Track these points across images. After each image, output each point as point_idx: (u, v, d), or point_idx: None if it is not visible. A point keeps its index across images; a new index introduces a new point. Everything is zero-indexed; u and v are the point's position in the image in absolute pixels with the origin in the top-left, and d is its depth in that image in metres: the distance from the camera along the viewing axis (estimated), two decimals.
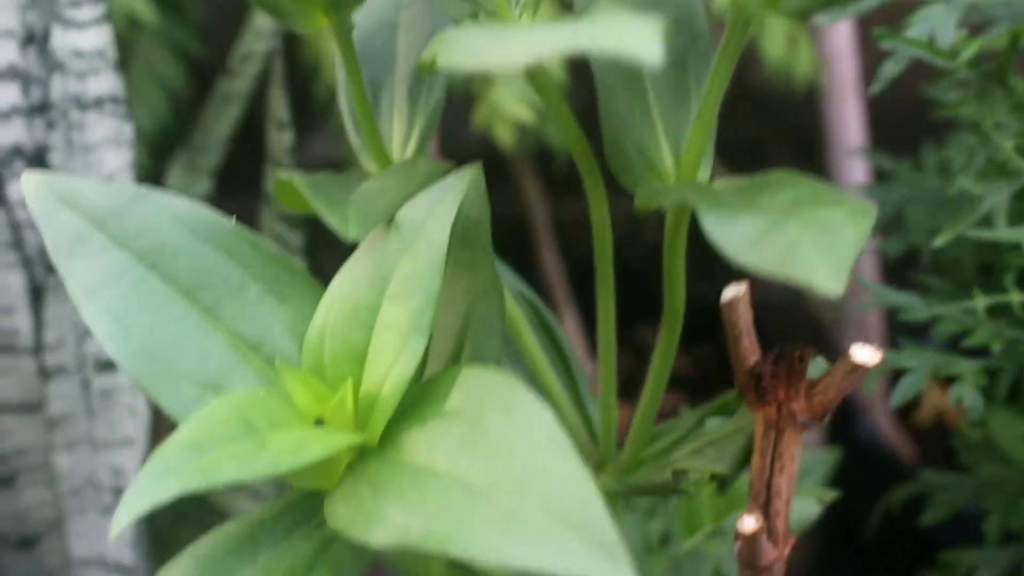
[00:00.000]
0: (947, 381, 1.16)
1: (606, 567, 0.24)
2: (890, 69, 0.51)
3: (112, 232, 0.33)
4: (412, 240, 0.31)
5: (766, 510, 0.39)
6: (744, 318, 0.37)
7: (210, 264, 0.33)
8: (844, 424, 1.15)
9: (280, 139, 0.66)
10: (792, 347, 0.36)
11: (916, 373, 0.49)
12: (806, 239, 0.26)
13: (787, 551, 0.40)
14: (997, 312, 0.51)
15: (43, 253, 0.63)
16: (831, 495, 0.52)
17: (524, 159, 1.13)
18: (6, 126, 0.60)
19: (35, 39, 0.57)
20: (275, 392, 0.32)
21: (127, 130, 0.58)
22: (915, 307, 0.52)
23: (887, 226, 0.60)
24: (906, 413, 1.17)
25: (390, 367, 0.31)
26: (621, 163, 0.35)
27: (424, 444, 0.30)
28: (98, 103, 0.59)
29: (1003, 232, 0.48)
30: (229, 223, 0.33)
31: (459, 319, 0.34)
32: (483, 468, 0.27)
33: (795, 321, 1.36)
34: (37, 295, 0.63)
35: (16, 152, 0.61)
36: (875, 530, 0.72)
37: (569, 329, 1.09)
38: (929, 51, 0.49)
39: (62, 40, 0.57)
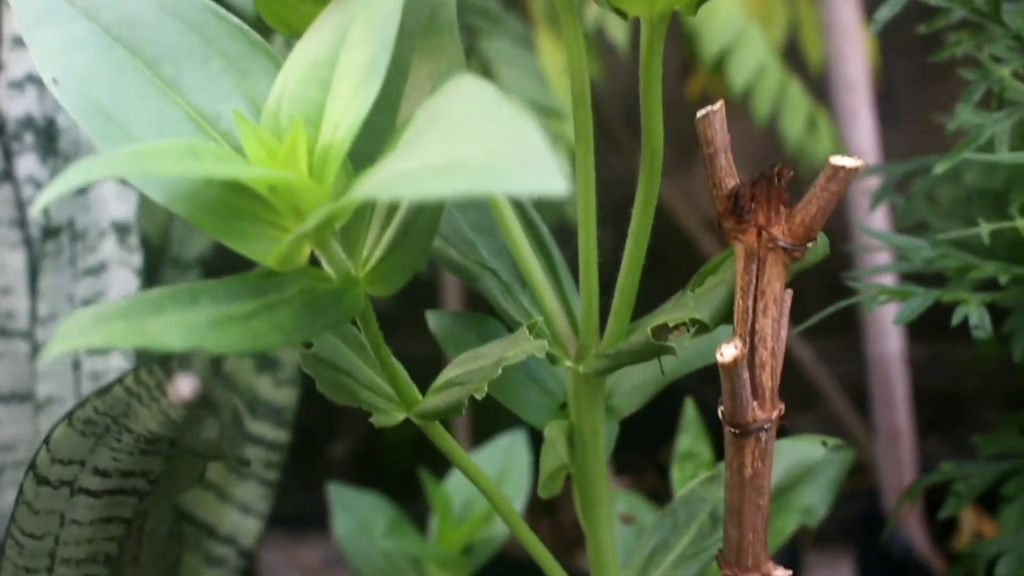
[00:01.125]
0: (984, 503, 1.11)
1: (542, 182, 0.23)
2: (885, 12, 0.51)
3: (81, 4, 0.33)
4: None
5: (751, 360, 0.36)
6: (720, 135, 0.35)
7: (175, 37, 0.33)
8: (879, 538, 1.11)
9: None
10: (771, 167, 0.35)
11: (921, 297, 0.47)
12: None
13: (775, 416, 0.37)
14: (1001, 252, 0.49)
15: (44, 229, 0.63)
16: (835, 441, 0.49)
17: None
18: (20, 96, 0.61)
19: None
20: (228, 147, 0.32)
21: None
22: (921, 248, 0.50)
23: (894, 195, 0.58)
24: (944, 536, 1.12)
25: (344, 112, 0.30)
26: None
27: (374, 174, 0.29)
28: None
29: (1005, 156, 0.47)
30: None
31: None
32: (423, 151, 0.26)
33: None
34: (36, 277, 0.63)
35: (27, 124, 0.62)
36: None
37: None
38: None
39: None
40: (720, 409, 0.38)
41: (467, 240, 0.43)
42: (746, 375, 0.36)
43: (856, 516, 1.18)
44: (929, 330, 1.16)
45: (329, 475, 0.75)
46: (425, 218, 0.34)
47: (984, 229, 0.47)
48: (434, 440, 0.40)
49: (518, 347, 0.36)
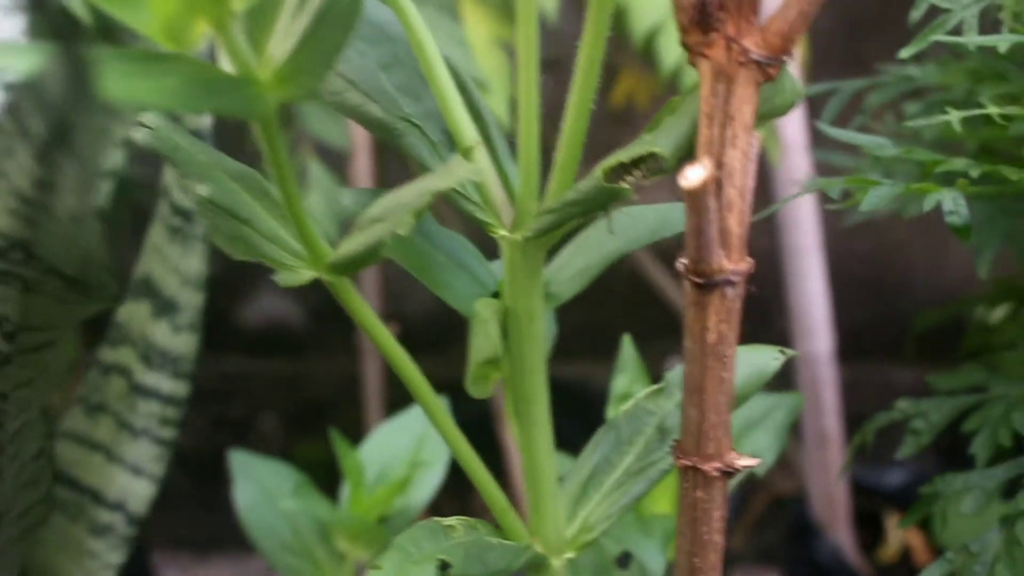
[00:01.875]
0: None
1: None
2: None
3: None
4: None
5: (717, 198, 0.32)
6: None
7: None
8: (808, 546, 1.07)
9: None
10: None
11: (890, 186, 0.43)
12: None
13: (743, 268, 0.33)
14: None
15: None
16: (792, 352, 0.44)
17: None
18: None
19: None
20: None
21: None
22: (884, 146, 0.46)
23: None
24: (871, 548, 1.09)
25: None
26: None
27: None
28: None
29: (976, 39, 0.44)
30: None
31: None
32: None
33: None
34: None
35: None
36: None
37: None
38: None
39: None
40: (680, 261, 0.33)
41: (391, 97, 0.38)
42: (714, 206, 0.31)
43: (784, 526, 1.14)
44: (854, 353, 1.13)
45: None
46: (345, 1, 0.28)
47: (955, 116, 0.44)
48: (347, 306, 0.34)
49: (450, 175, 0.31)
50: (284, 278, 0.33)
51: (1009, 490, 0.49)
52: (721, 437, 0.34)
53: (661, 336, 1.17)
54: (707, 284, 0.32)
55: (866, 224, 1.35)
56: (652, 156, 0.32)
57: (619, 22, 1.01)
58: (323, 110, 0.93)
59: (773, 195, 1.01)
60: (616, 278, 1.20)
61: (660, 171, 0.33)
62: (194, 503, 1.22)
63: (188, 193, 0.60)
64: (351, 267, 0.32)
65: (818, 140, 1.06)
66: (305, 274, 0.33)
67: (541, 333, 0.38)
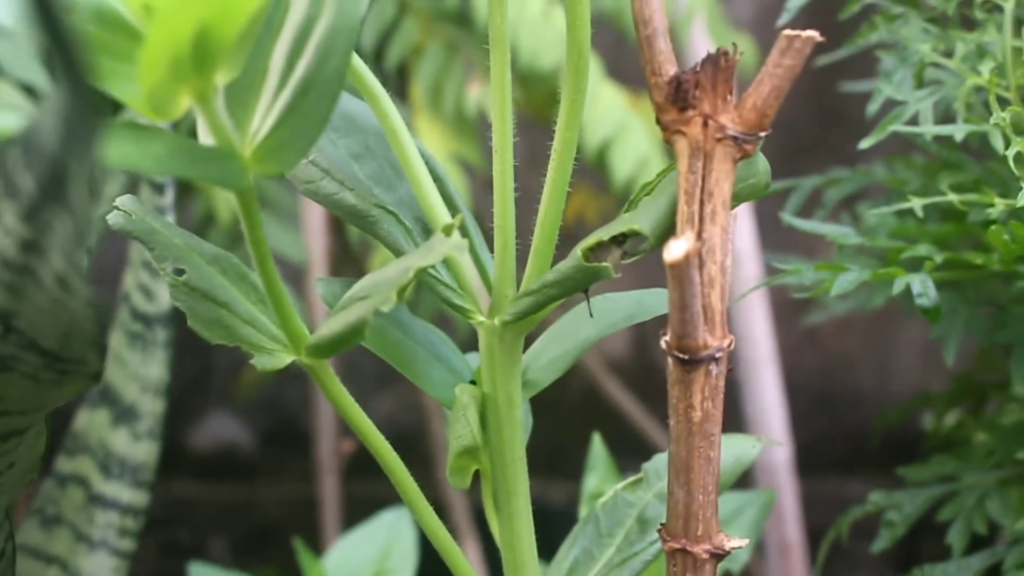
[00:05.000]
0: None
1: None
2: (795, 1, 0.49)
3: None
4: None
5: (700, 273, 0.32)
6: (658, 15, 0.31)
7: None
8: None
9: None
10: (716, 50, 0.31)
11: (856, 272, 0.43)
12: None
13: (727, 345, 0.33)
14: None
15: None
16: (769, 440, 0.44)
17: None
18: None
19: None
20: None
21: None
22: (847, 235, 0.47)
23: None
24: None
25: None
26: None
27: None
28: None
29: (932, 128, 0.45)
30: None
31: None
32: None
33: None
34: None
35: None
36: None
37: (471, 557, 0.99)
38: None
39: None
40: (663, 339, 0.32)
41: (364, 185, 0.38)
42: (698, 279, 0.31)
43: None
44: (807, 467, 1.13)
45: None
46: (327, 73, 0.28)
47: (916, 203, 0.45)
48: (327, 391, 0.33)
49: (433, 252, 0.30)
50: (262, 362, 0.32)
51: None
52: (710, 518, 0.34)
53: (617, 452, 1.17)
54: (692, 361, 0.32)
55: (812, 338, 1.36)
56: (633, 233, 0.32)
57: None
58: (280, 223, 0.92)
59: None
60: (569, 393, 1.19)
61: (640, 250, 0.33)
62: None
63: (150, 298, 0.60)
64: (332, 349, 0.32)
65: (767, 244, 1.08)
66: (284, 358, 0.32)
67: (519, 419, 0.37)
